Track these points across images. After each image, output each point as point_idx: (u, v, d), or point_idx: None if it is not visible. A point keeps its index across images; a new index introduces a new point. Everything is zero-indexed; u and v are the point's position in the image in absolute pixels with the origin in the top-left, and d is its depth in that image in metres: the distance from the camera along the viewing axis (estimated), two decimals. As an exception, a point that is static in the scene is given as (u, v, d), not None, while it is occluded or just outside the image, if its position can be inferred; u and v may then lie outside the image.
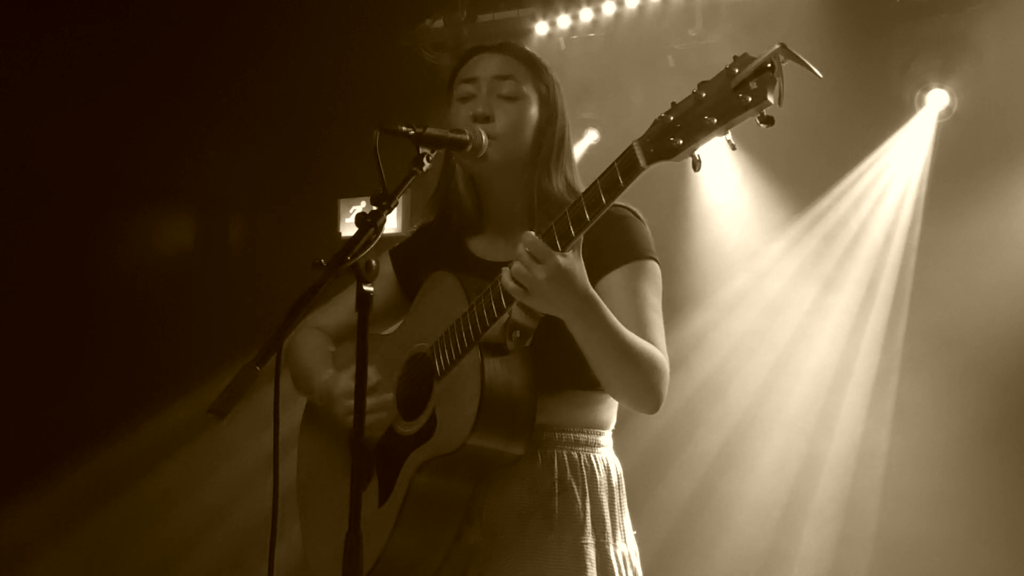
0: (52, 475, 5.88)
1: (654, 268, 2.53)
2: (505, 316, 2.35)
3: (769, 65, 1.98)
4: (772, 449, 5.35)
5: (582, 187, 2.54)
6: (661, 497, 5.32)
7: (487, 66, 2.60)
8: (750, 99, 1.99)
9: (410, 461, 2.44)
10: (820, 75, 2.01)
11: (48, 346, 6.00)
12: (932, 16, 5.22)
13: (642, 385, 2.38)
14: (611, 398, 2.57)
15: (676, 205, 5.56)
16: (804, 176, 5.41)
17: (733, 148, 2.11)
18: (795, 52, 1.98)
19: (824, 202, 5.41)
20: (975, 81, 5.15)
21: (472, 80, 2.60)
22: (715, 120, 2.04)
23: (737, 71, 2.01)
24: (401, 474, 2.45)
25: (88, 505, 5.95)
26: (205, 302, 6.30)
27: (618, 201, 2.48)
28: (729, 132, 2.07)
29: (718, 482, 5.41)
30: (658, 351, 2.42)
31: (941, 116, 5.20)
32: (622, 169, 2.16)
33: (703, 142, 2.08)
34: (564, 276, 2.21)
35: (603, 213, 2.20)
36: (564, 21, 5.68)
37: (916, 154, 5.26)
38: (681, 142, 2.08)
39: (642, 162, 2.13)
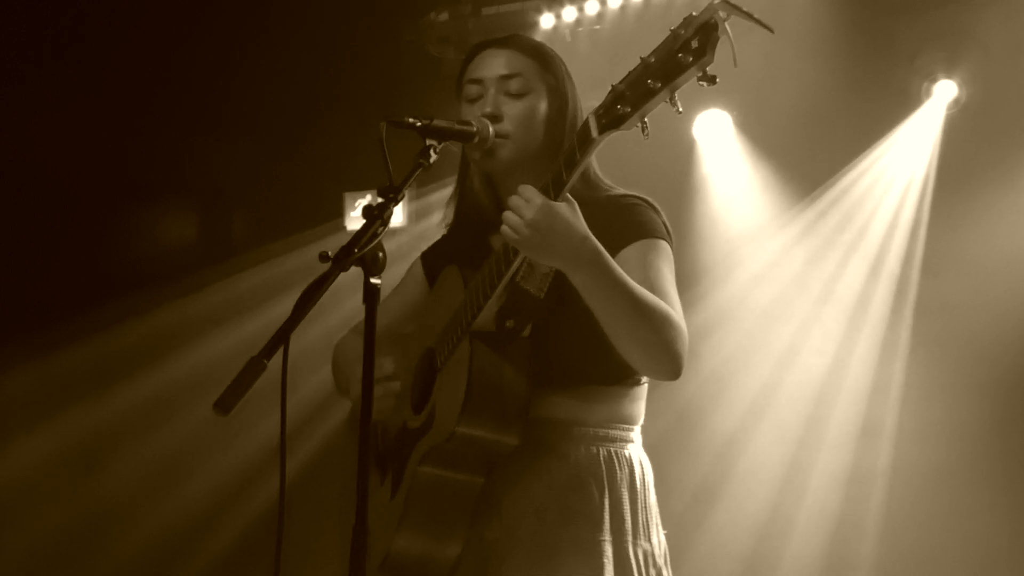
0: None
1: (666, 247, 2.49)
2: (494, 303, 2.35)
3: (712, 21, 1.95)
4: (777, 428, 5.37)
5: (597, 171, 2.56)
6: (679, 474, 5.31)
7: (493, 65, 2.57)
8: (690, 58, 1.97)
9: (415, 453, 2.45)
10: (772, 30, 1.98)
11: (54, 343, 6.00)
12: (938, 8, 5.21)
13: (656, 341, 2.29)
14: (636, 392, 2.54)
15: (682, 196, 5.56)
16: (812, 166, 5.40)
17: (679, 112, 2.08)
18: (738, 5, 1.95)
19: (832, 191, 5.40)
20: (982, 72, 5.14)
21: (478, 81, 2.57)
22: (659, 84, 2.01)
23: (682, 31, 1.99)
24: (408, 467, 2.46)
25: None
26: (210, 297, 6.30)
27: (633, 191, 2.48)
28: (676, 95, 2.04)
29: (729, 458, 5.42)
30: (673, 310, 2.35)
31: (949, 108, 5.19)
32: (579, 142, 2.17)
33: (650, 108, 2.06)
34: (553, 216, 2.19)
35: (568, 187, 2.20)
36: (570, 14, 5.65)
37: (924, 145, 5.25)
38: (629, 109, 2.06)
39: (594, 132, 2.13)
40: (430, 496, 2.41)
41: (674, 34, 2.00)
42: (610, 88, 2.10)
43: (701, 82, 1.99)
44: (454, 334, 2.41)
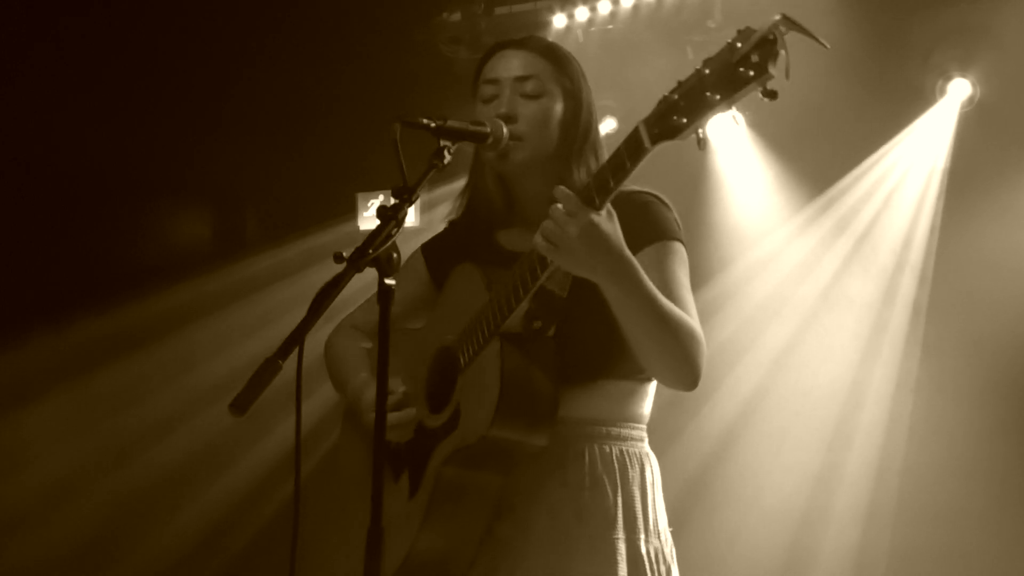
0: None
1: (681, 249, 2.50)
2: (524, 305, 2.34)
3: (771, 37, 1.93)
4: (787, 427, 5.37)
5: None
6: (675, 462, 5.31)
7: (509, 66, 2.57)
8: (752, 73, 1.94)
9: (436, 454, 2.44)
10: (827, 46, 1.96)
11: (64, 341, 6.02)
12: (953, 6, 5.20)
13: (681, 354, 2.33)
14: (646, 390, 2.56)
15: (695, 195, 5.55)
16: (825, 165, 5.40)
17: (737, 124, 2.08)
18: (798, 22, 1.93)
19: (844, 189, 5.40)
20: (997, 70, 5.13)
21: (494, 81, 2.57)
22: (718, 96, 1.98)
23: (739, 45, 1.96)
24: (428, 467, 2.46)
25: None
26: (223, 297, 6.32)
27: (643, 187, 2.48)
28: (733, 107, 2.01)
29: (735, 450, 5.43)
30: (693, 320, 2.38)
31: (963, 106, 5.17)
32: (628, 151, 2.13)
33: (707, 119, 2.03)
34: (597, 232, 2.16)
35: (612, 196, 2.17)
36: (582, 13, 5.65)
37: (938, 143, 5.24)
38: (685, 120, 2.03)
39: (647, 143, 2.09)
40: (454, 496, 2.41)
41: (730, 46, 1.97)
42: (661, 98, 2.07)
43: (764, 97, 1.96)
44: (479, 335, 2.39)
